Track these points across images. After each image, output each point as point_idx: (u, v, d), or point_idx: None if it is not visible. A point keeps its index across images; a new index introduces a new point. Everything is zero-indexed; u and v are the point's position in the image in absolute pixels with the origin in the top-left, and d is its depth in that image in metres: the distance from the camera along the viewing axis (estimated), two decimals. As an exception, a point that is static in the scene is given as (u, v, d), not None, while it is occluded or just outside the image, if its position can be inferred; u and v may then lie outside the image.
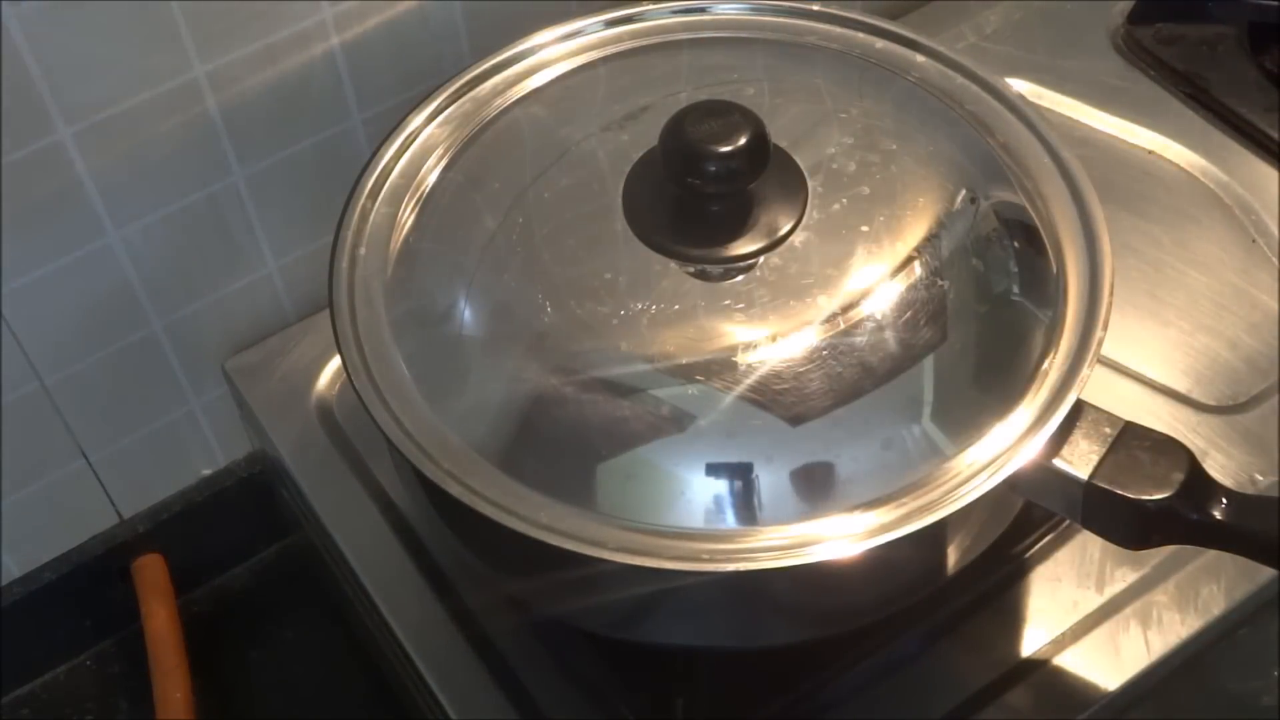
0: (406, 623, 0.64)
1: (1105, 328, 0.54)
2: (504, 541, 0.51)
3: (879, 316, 0.53)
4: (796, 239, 0.54)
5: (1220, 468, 0.65)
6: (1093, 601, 0.62)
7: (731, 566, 0.49)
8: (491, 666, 0.62)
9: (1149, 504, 0.51)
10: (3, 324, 0.66)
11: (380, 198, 0.59)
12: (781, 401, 0.51)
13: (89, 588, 0.76)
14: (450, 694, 0.62)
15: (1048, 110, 0.80)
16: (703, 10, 0.65)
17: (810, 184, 0.55)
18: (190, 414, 0.76)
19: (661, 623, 0.57)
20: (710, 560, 0.49)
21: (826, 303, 0.52)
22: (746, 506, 0.51)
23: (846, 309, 0.52)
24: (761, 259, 0.53)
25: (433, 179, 0.60)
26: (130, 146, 0.64)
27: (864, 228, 0.54)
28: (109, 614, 0.78)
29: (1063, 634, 0.61)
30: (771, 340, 0.52)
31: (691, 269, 0.53)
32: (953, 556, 0.54)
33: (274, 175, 0.70)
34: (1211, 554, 0.62)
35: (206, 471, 0.79)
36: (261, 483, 0.79)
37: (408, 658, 0.64)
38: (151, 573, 0.77)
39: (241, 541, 0.81)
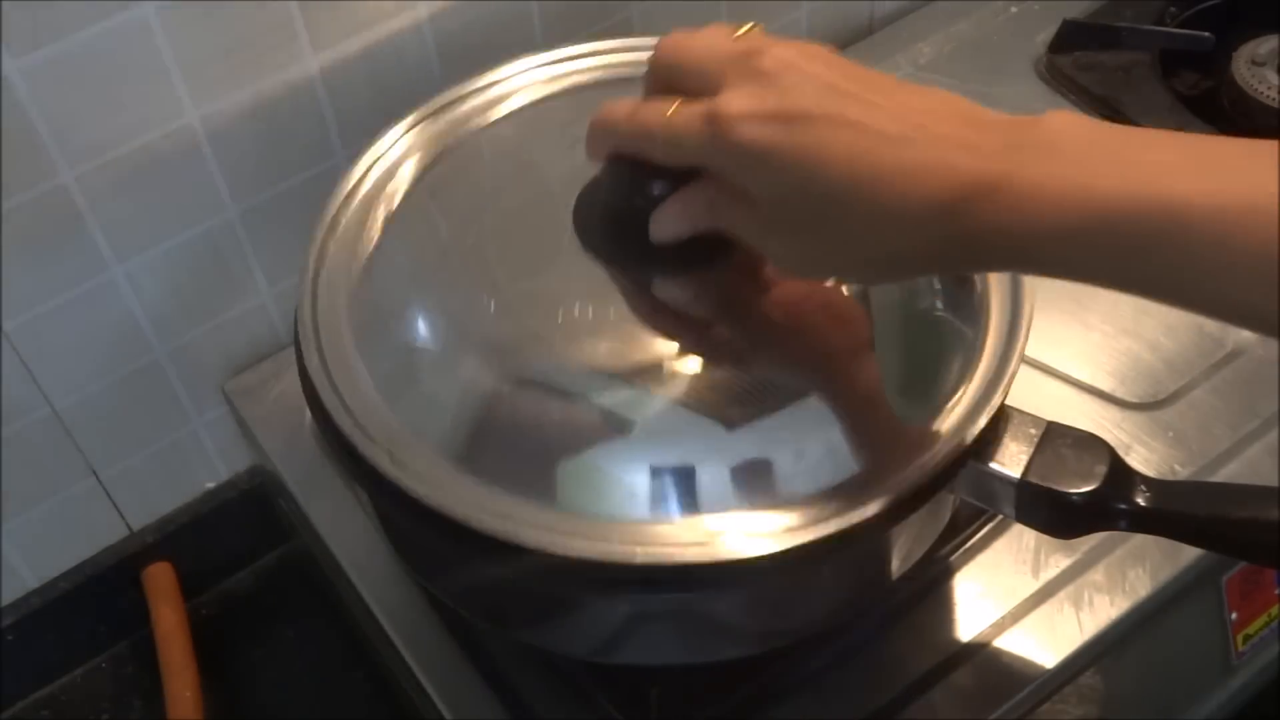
0: (396, 620, 0.64)
1: (1026, 337, 0.53)
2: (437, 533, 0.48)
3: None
4: (732, 257, 0.52)
5: (1144, 460, 0.65)
6: (1029, 587, 0.62)
7: (641, 555, 0.47)
8: (476, 659, 0.62)
9: (1078, 496, 0.50)
10: (16, 354, 0.64)
11: (353, 206, 0.58)
12: (719, 407, 0.50)
13: (102, 595, 0.75)
14: (436, 683, 0.61)
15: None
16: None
17: None
18: (193, 432, 0.75)
19: (613, 642, 0.56)
20: (632, 544, 0.47)
21: (760, 317, 0.51)
22: (687, 503, 0.49)
23: (779, 323, 0.51)
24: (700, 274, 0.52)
25: (402, 191, 0.58)
26: (130, 187, 0.63)
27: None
28: (122, 619, 0.77)
29: (1002, 617, 0.61)
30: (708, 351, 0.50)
31: (633, 282, 0.52)
32: (897, 559, 0.54)
33: (265, 210, 0.69)
34: (1138, 539, 0.62)
35: (210, 485, 0.78)
36: (261, 494, 0.78)
37: (398, 652, 0.63)
38: (161, 579, 0.76)
39: (244, 548, 0.80)
